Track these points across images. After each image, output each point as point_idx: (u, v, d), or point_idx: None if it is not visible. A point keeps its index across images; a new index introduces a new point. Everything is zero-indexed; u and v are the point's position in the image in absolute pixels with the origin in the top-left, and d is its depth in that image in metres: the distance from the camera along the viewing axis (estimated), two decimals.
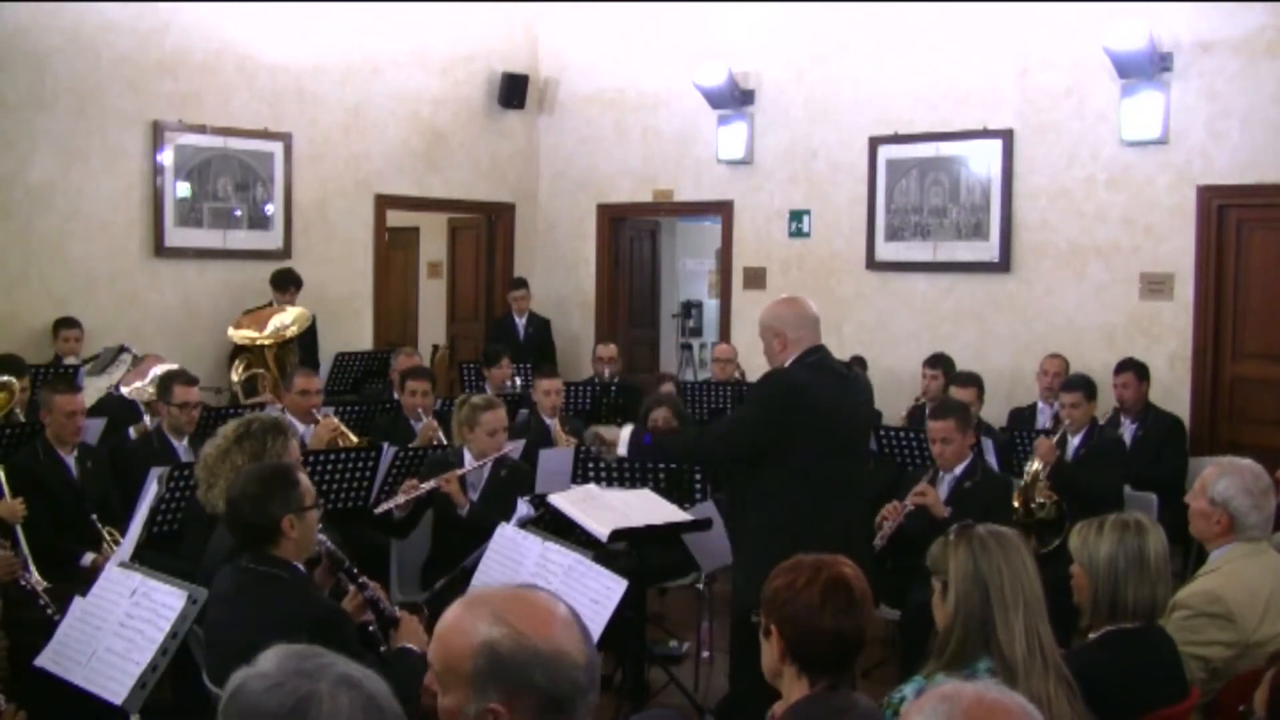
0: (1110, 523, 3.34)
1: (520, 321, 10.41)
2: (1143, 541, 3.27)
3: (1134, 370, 7.31)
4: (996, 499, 5.50)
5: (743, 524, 4.56)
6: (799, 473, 4.32)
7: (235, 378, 8.50)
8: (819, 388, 4.36)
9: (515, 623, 1.96)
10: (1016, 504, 5.93)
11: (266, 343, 8.55)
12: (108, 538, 5.44)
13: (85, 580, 4.07)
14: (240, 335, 8.64)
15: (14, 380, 6.44)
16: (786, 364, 4.43)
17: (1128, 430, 7.21)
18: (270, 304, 9.06)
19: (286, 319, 8.75)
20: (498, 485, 5.77)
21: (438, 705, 2.00)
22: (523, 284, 10.57)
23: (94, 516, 5.50)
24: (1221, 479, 3.78)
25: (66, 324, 8.25)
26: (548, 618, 1.99)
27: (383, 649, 3.65)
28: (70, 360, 7.93)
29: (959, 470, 5.60)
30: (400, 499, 5.44)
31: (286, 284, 9.09)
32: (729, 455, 4.54)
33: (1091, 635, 3.34)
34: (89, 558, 5.32)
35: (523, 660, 1.93)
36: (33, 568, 5.02)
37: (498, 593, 2.07)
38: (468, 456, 5.75)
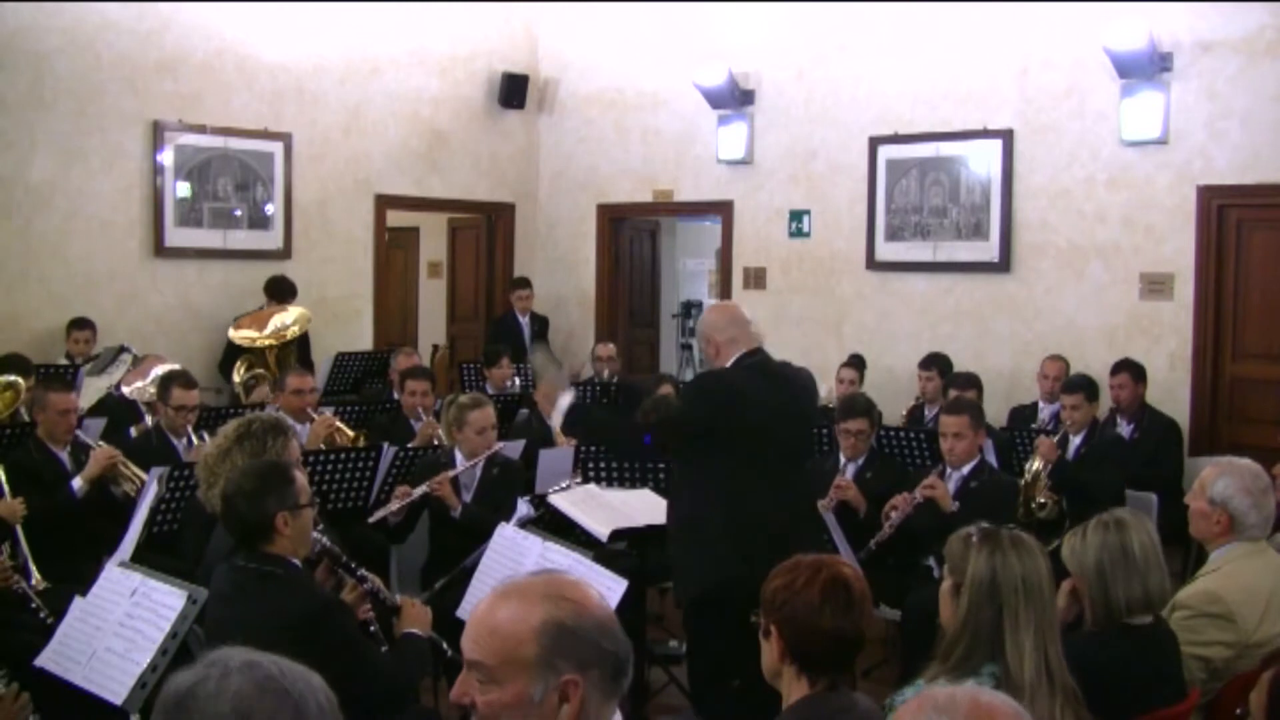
0: (1092, 526, 3.35)
1: (524, 321, 10.41)
2: (1124, 537, 3.27)
3: (1129, 371, 7.30)
4: (1002, 500, 5.49)
5: (676, 517, 4.57)
6: (730, 468, 4.35)
7: (237, 378, 8.51)
8: (750, 386, 4.39)
9: (570, 597, 2.04)
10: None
11: (267, 343, 8.56)
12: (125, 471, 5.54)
13: (85, 579, 4.06)
14: (241, 336, 8.65)
15: (20, 380, 6.45)
16: (725, 366, 4.47)
17: (1124, 431, 7.20)
18: (262, 308, 9.05)
19: (287, 319, 8.76)
20: (491, 483, 5.77)
21: (480, 707, 2.01)
22: (526, 283, 10.56)
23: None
24: (1220, 479, 3.78)
25: (78, 324, 8.25)
26: (588, 591, 2.10)
27: (384, 648, 3.66)
28: (81, 360, 7.93)
29: (966, 470, 5.60)
30: (394, 506, 5.45)
31: (284, 294, 9.06)
32: (672, 443, 4.52)
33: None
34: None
35: (590, 629, 2.01)
36: (33, 567, 5.03)
37: (530, 580, 2.13)
38: (459, 457, 5.75)
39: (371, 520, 5.51)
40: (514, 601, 2.04)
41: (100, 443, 5.77)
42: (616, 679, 2.04)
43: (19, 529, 5.15)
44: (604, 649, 2.02)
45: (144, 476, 5.48)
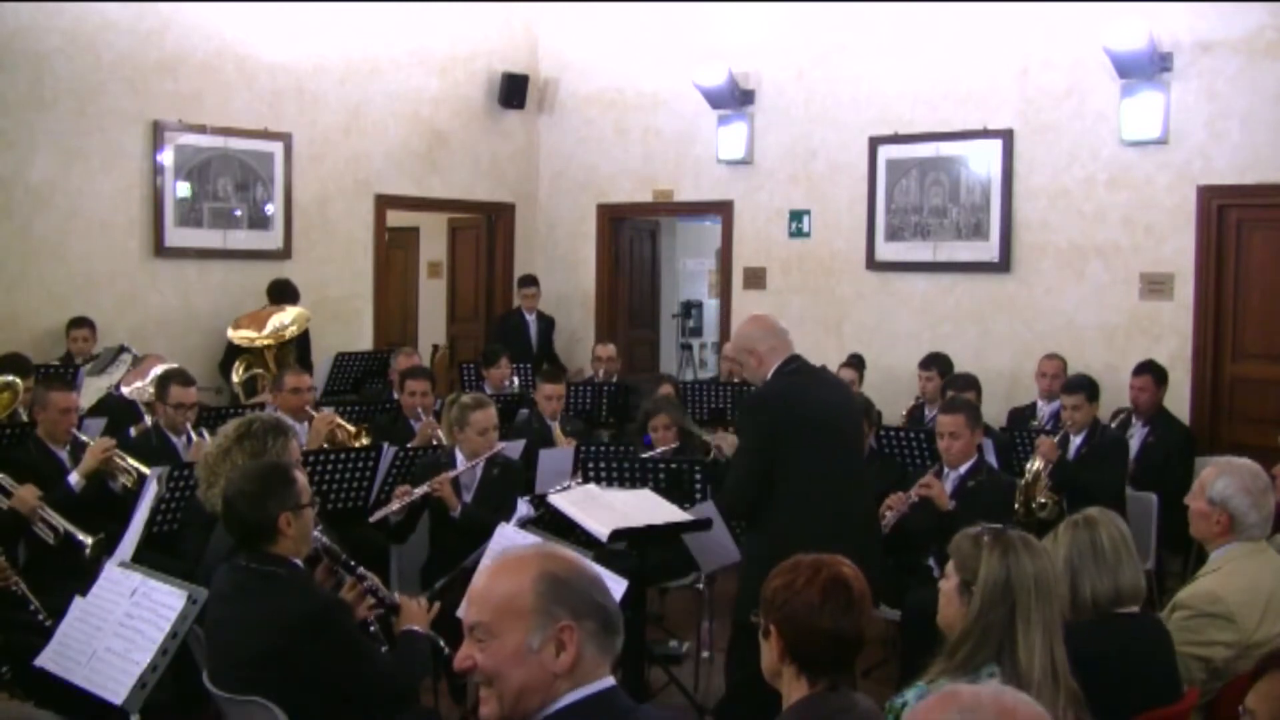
0: (1064, 526, 3.40)
1: (530, 319, 10.39)
2: (1093, 534, 3.30)
3: (1153, 374, 7.26)
4: (1000, 499, 5.50)
5: (754, 532, 4.60)
6: (800, 478, 4.38)
7: (236, 378, 8.51)
8: (801, 393, 4.46)
9: (563, 555, 2.19)
10: (1017, 504, 5.92)
11: (266, 343, 8.56)
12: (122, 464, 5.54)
13: (85, 579, 4.06)
14: (239, 336, 8.65)
15: (18, 380, 6.45)
16: (767, 376, 4.51)
17: (1138, 433, 7.18)
18: (263, 309, 9.03)
19: (286, 319, 8.77)
20: (491, 484, 5.77)
21: (482, 665, 2.10)
22: (534, 281, 10.53)
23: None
24: (1220, 479, 3.78)
25: (77, 324, 8.24)
26: (578, 554, 2.24)
27: (384, 648, 3.66)
28: (81, 359, 7.92)
29: (964, 469, 5.60)
30: (395, 505, 5.45)
31: (286, 298, 9.03)
32: (752, 496, 4.52)
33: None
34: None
35: (583, 581, 2.14)
36: (77, 532, 5.06)
37: (523, 548, 2.27)
38: (460, 457, 5.75)
39: (372, 520, 5.52)
40: (511, 563, 2.17)
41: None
42: (609, 634, 2.14)
43: (45, 511, 5.13)
44: (597, 601, 2.13)
45: (141, 469, 5.48)
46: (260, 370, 8.46)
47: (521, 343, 9.90)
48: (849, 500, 4.46)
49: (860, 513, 4.53)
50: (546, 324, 10.50)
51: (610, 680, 2.15)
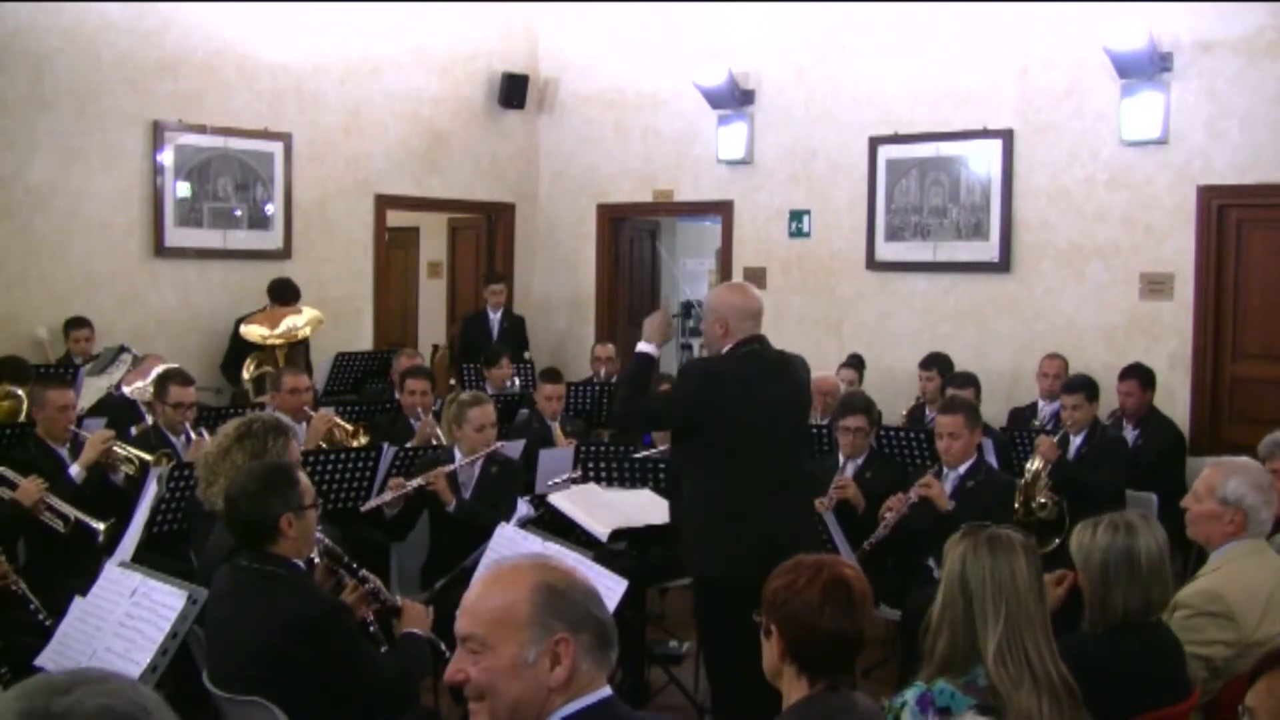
0: (1104, 524, 3.34)
1: (495, 317, 10.27)
2: (1132, 543, 3.26)
3: (1138, 378, 7.24)
4: (999, 498, 5.50)
5: (677, 509, 4.61)
6: (719, 464, 4.35)
7: (247, 375, 8.53)
8: (740, 380, 4.38)
9: (559, 567, 2.17)
10: (1017, 504, 5.91)
11: (277, 342, 8.57)
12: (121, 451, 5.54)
13: (85, 579, 4.06)
14: (251, 331, 8.65)
15: (21, 390, 6.47)
16: (723, 351, 4.46)
17: (1128, 435, 7.17)
18: (265, 309, 9.02)
19: (299, 321, 8.79)
20: (490, 482, 5.77)
21: (475, 679, 2.07)
22: (499, 279, 10.48)
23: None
24: (1230, 479, 3.75)
25: (77, 324, 8.24)
26: (575, 568, 2.23)
27: (384, 648, 3.66)
28: (81, 359, 7.92)
29: (963, 469, 5.60)
30: (388, 495, 5.45)
31: (287, 297, 9.01)
32: (643, 425, 4.94)
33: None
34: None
35: (579, 593, 2.12)
36: (90, 519, 5.07)
37: (519, 559, 2.25)
38: (459, 456, 5.75)
39: (365, 509, 5.51)
40: (506, 574, 2.15)
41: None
42: (604, 648, 2.12)
43: (51, 501, 5.13)
44: (593, 614, 2.11)
45: (143, 456, 5.49)
46: (270, 369, 8.46)
47: (483, 342, 9.78)
48: (765, 499, 4.35)
49: (775, 514, 4.36)
50: (515, 322, 10.36)
51: (607, 690, 2.13)
